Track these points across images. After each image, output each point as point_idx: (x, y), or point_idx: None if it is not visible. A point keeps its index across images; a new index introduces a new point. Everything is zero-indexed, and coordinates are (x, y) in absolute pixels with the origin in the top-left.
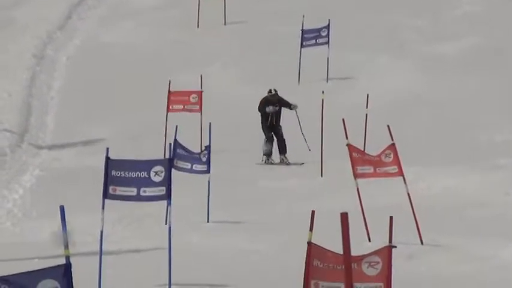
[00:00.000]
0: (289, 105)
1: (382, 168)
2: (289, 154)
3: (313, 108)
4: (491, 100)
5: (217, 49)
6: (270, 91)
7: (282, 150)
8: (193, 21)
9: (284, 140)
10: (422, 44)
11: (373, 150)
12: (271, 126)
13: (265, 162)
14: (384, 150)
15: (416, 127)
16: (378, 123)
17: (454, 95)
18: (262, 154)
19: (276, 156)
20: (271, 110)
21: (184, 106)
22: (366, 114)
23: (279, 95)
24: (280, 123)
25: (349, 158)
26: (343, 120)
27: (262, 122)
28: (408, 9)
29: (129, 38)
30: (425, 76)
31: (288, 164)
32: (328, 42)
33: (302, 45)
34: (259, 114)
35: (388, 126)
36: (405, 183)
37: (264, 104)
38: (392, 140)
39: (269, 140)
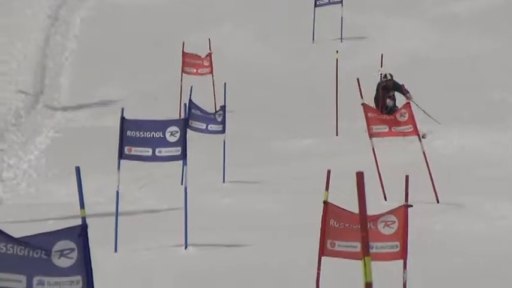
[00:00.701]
0: (403, 93)
1: (397, 127)
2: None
3: (327, 68)
4: (505, 60)
5: (231, 8)
6: (385, 76)
7: None
8: None
9: None
10: (436, 3)
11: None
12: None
13: None
14: (399, 110)
15: (430, 87)
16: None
17: (468, 54)
18: None
19: None
20: (391, 104)
21: (197, 70)
22: (381, 74)
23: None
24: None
25: (364, 117)
26: (357, 80)
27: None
28: None
29: None
30: (439, 36)
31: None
32: (341, 2)
33: (316, 5)
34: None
35: (402, 85)
36: (420, 142)
37: (382, 89)
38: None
39: None
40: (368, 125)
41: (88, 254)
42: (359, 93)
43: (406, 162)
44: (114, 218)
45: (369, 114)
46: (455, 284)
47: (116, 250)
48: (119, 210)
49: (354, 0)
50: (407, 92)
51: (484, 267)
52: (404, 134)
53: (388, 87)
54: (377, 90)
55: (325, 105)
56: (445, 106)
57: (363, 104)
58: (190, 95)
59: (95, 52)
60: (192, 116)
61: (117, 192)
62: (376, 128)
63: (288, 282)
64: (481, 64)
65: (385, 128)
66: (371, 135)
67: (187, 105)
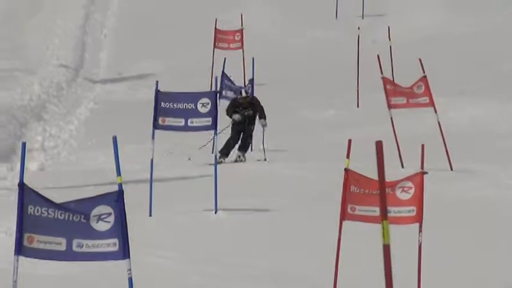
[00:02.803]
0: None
1: (414, 99)
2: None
3: (349, 43)
4: None
5: None
6: (241, 93)
7: (243, 148)
8: None
9: (248, 139)
10: None
11: (405, 82)
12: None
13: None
14: (416, 82)
15: (444, 61)
16: (409, 57)
17: (481, 29)
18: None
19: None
20: (236, 118)
21: (229, 45)
22: (390, 46)
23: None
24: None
25: (383, 90)
26: (378, 56)
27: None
28: None
29: None
30: (454, 11)
31: (243, 161)
32: None
33: None
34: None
35: (419, 59)
36: (436, 113)
37: (237, 105)
38: (424, 72)
39: (232, 140)
40: (387, 97)
41: (124, 218)
42: (379, 67)
43: (422, 132)
44: (148, 184)
45: (388, 87)
46: (468, 245)
47: (150, 214)
48: (153, 177)
49: None
50: (263, 117)
51: (495, 230)
52: (421, 105)
53: (243, 105)
54: (230, 103)
55: (347, 78)
56: (458, 79)
57: (382, 78)
58: (224, 65)
59: (132, 29)
60: (224, 86)
61: (152, 160)
62: (394, 100)
63: (312, 244)
64: (493, 38)
65: (403, 100)
66: (390, 107)
67: (221, 75)
